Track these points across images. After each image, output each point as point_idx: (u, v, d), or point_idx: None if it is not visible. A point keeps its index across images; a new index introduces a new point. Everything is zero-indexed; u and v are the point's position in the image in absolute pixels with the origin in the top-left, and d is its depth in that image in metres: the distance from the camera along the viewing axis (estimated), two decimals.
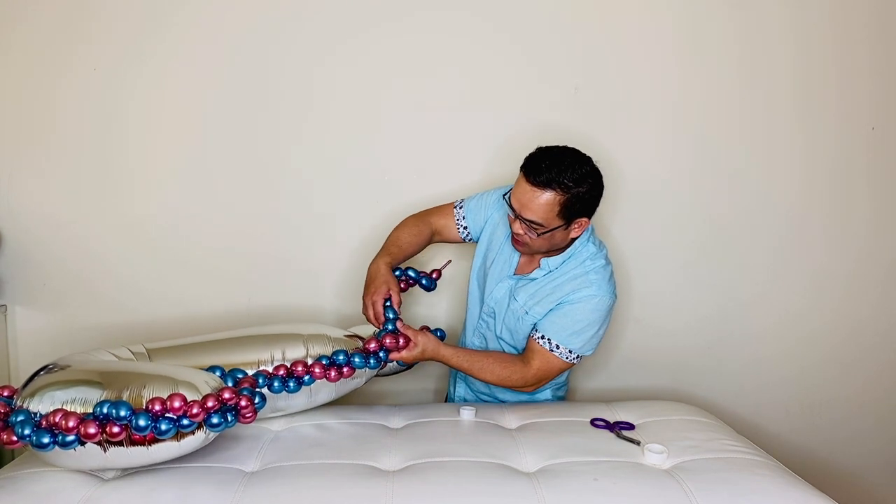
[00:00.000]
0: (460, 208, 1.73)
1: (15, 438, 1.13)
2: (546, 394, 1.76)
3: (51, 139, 1.88)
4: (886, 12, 1.96)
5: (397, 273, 1.70)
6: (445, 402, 1.92)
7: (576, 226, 1.50)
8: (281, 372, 1.43)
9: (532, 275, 1.60)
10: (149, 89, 1.88)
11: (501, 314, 1.66)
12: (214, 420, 1.20)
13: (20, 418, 1.14)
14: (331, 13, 1.87)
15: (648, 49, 1.93)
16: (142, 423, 1.14)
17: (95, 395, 1.18)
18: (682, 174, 2.00)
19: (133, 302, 1.97)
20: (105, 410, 1.14)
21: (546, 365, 1.56)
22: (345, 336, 1.56)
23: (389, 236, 1.69)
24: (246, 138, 1.92)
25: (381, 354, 1.50)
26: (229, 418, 1.22)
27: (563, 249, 1.57)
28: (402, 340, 1.52)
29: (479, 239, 1.73)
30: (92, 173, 1.90)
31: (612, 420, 1.54)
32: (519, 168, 1.48)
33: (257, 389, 1.35)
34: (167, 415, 1.16)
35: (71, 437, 1.12)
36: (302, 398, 1.48)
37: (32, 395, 1.19)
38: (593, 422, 1.53)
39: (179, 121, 1.90)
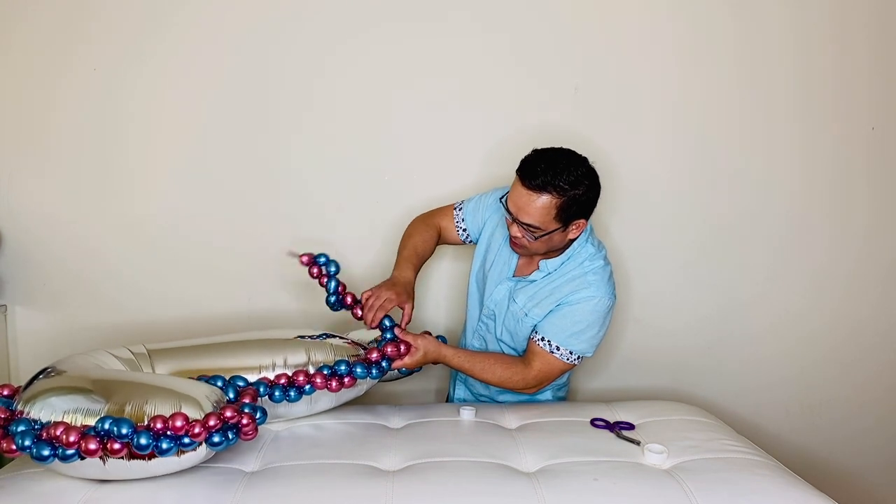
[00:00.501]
0: (460, 210, 1.73)
1: (14, 448, 1.13)
2: (547, 394, 1.76)
3: (51, 139, 1.88)
4: (886, 12, 1.96)
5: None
6: (446, 402, 1.92)
7: (573, 227, 1.49)
8: (282, 381, 1.42)
9: (531, 276, 1.60)
10: (149, 89, 1.88)
11: (501, 316, 1.66)
12: (216, 439, 1.19)
13: (21, 428, 1.14)
14: (331, 13, 1.87)
15: (648, 49, 1.93)
16: (143, 441, 1.13)
17: (96, 406, 1.17)
18: (682, 174, 2.00)
19: (133, 302, 1.97)
20: (107, 427, 1.13)
21: (547, 367, 1.56)
22: (347, 343, 1.56)
23: (405, 243, 1.67)
24: (245, 138, 1.92)
25: (383, 364, 1.50)
26: (230, 436, 1.22)
27: (561, 251, 1.57)
28: (402, 347, 1.52)
29: (478, 241, 1.73)
30: (92, 173, 1.90)
31: (612, 420, 1.54)
32: (515, 170, 1.47)
33: (259, 401, 1.35)
34: (168, 434, 1.16)
35: (71, 452, 1.12)
36: (301, 406, 1.48)
37: (31, 400, 1.19)
38: (593, 422, 1.52)
39: (179, 121, 1.90)
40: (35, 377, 1.27)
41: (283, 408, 1.46)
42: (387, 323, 1.53)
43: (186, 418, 1.16)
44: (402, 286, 1.54)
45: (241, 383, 1.40)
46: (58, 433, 1.12)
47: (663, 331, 2.08)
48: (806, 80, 1.98)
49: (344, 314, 2.00)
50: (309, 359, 1.48)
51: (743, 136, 1.99)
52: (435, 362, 1.57)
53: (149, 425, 1.15)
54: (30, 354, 1.96)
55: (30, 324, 1.96)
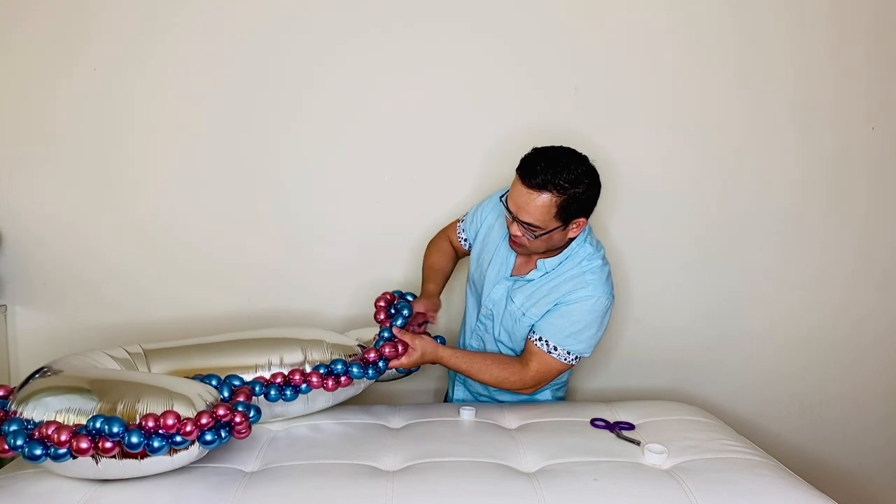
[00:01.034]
0: (461, 222, 1.78)
1: (6, 448, 1.13)
2: (546, 394, 1.76)
3: (51, 139, 1.88)
4: (885, 12, 1.95)
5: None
6: (445, 402, 1.92)
7: (574, 226, 1.49)
8: (278, 380, 1.42)
9: (529, 276, 1.60)
10: (149, 90, 1.88)
11: (499, 316, 1.65)
12: (208, 437, 1.19)
13: (13, 428, 1.14)
14: (331, 14, 1.87)
15: (648, 50, 1.93)
16: (134, 440, 1.13)
17: (89, 405, 1.17)
18: (682, 174, 2.00)
19: (132, 302, 1.97)
20: (98, 425, 1.14)
21: (544, 367, 1.56)
22: (343, 343, 1.56)
23: (424, 265, 1.80)
24: (245, 139, 1.92)
25: (380, 364, 1.50)
26: (223, 434, 1.22)
27: (560, 250, 1.57)
28: (400, 347, 1.52)
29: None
30: (92, 174, 1.90)
31: (612, 420, 1.54)
32: (515, 169, 1.47)
33: (253, 400, 1.35)
34: (160, 432, 1.15)
35: (63, 451, 1.12)
36: (298, 405, 1.48)
37: (26, 400, 1.19)
38: (593, 422, 1.52)
39: (179, 121, 1.90)
40: (30, 377, 1.27)
41: (280, 407, 1.46)
42: (405, 311, 1.58)
43: (178, 416, 1.16)
44: (426, 298, 1.69)
45: (236, 382, 1.40)
46: (49, 432, 1.12)
47: (663, 330, 2.08)
48: (805, 79, 1.98)
49: (342, 317, 2.01)
50: (305, 358, 1.48)
51: (742, 136, 1.99)
52: (432, 362, 1.57)
53: (140, 424, 1.15)
54: (29, 354, 1.96)
55: (30, 324, 1.96)
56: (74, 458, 1.13)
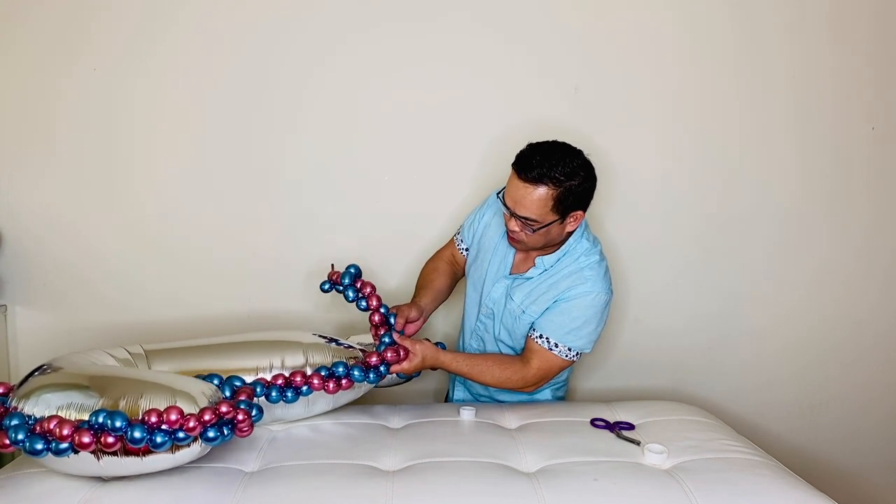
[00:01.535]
0: (458, 234, 1.79)
1: (7, 442, 1.12)
2: (546, 394, 1.76)
3: (51, 139, 1.88)
4: (886, 12, 1.95)
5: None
6: (445, 402, 1.92)
7: (571, 219, 1.50)
8: (279, 381, 1.42)
9: (527, 274, 1.60)
10: (149, 90, 1.88)
11: (499, 315, 1.66)
12: (211, 434, 1.19)
13: (14, 422, 1.14)
14: (331, 14, 1.87)
15: (648, 49, 1.93)
16: (137, 434, 1.13)
17: (91, 401, 1.17)
18: (682, 174, 2.00)
19: (133, 302, 1.97)
20: (101, 420, 1.13)
21: (546, 364, 1.56)
22: (344, 346, 1.56)
23: (416, 285, 1.77)
24: (245, 139, 1.92)
25: (381, 368, 1.50)
26: (226, 432, 1.22)
27: (559, 245, 1.57)
28: (401, 352, 1.52)
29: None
30: (92, 174, 1.90)
31: (612, 420, 1.54)
32: (511, 165, 1.48)
33: (255, 400, 1.35)
34: (163, 427, 1.15)
35: (64, 445, 1.12)
36: (299, 408, 1.48)
37: (26, 396, 1.19)
38: (593, 422, 1.52)
39: (179, 122, 1.90)
40: (30, 374, 1.27)
41: (281, 409, 1.46)
42: (391, 320, 1.56)
43: (181, 412, 1.16)
44: (413, 305, 1.65)
45: (238, 383, 1.40)
46: (51, 426, 1.12)
47: (663, 330, 2.08)
48: (805, 79, 1.98)
49: (342, 317, 2.01)
50: (307, 360, 1.48)
51: (742, 136, 1.99)
52: (433, 367, 1.57)
53: (143, 419, 1.15)
54: (29, 354, 1.96)
55: (30, 324, 1.96)
56: (76, 452, 1.13)
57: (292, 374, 1.44)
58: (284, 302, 2.00)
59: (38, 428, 1.13)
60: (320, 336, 1.57)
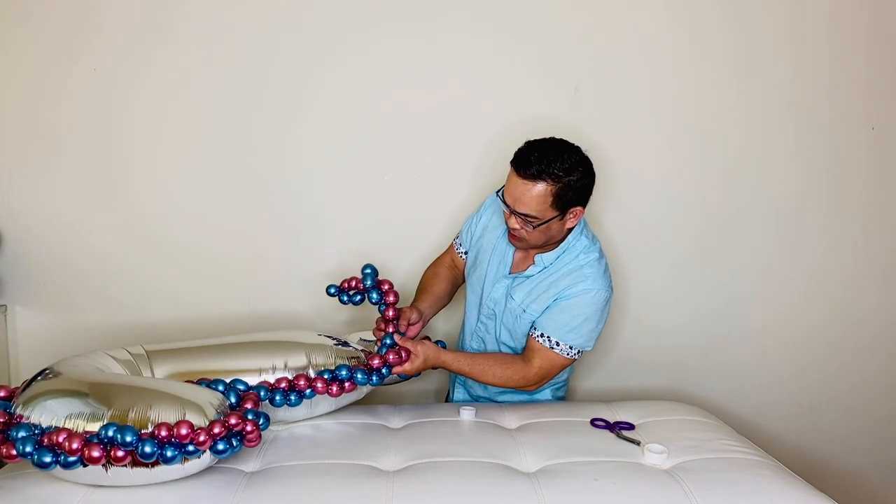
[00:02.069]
0: (457, 238, 1.79)
1: (15, 454, 1.12)
2: (546, 393, 1.76)
3: (51, 139, 1.88)
4: (886, 12, 1.96)
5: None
6: (446, 402, 1.92)
7: (571, 215, 1.50)
8: (283, 385, 1.42)
9: (527, 272, 1.60)
10: (149, 90, 1.87)
11: (500, 315, 1.66)
12: (220, 447, 1.19)
13: (21, 434, 1.13)
14: (329, 17, 1.87)
15: (647, 49, 1.93)
16: (147, 449, 1.12)
17: (99, 412, 1.16)
18: (681, 173, 2.00)
19: (133, 302, 1.97)
20: (111, 434, 1.13)
21: (547, 363, 1.56)
22: (346, 347, 1.55)
23: (417, 289, 1.77)
24: (245, 139, 1.92)
25: (383, 371, 1.50)
26: (234, 444, 1.22)
27: (558, 243, 1.57)
28: (403, 354, 1.52)
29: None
30: (92, 173, 1.90)
31: (612, 420, 1.54)
32: (509, 162, 1.48)
33: (260, 405, 1.35)
34: (173, 441, 1.15)
35: (73, 459, 1.11)
36: (301, 410, 1.48)
37: (29, 403, 1.18)
38: (593, 422, 1.53)
39: (179, 122, 1.90)
40: (32, 379, 1.26)
41: (283, 412, 1.46)
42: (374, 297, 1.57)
43: (191, 426, 1.16)
44: (413, 308, 1.65)
45: (241, 387, 1.40)
46: (60, 440, 1.11)
47: (663, 330, 2.08)
48: (805, 79, 1.98)
49: (342, 318, 2.01)
50: (309, 362, 1.48)
51: (742, 136, 1.99)
52: (435, 367, 1.58)
53: (153, 433, 1.15)
54: (30, 354, 1.96)
55: (30, 324, 1.96)
56: (84, 466, 1.12)
57: (296, 378, 1.44)
58: (285, 302, 2.00)
59: (46, 440, 1.12)
60: (327, 336, 1.57)
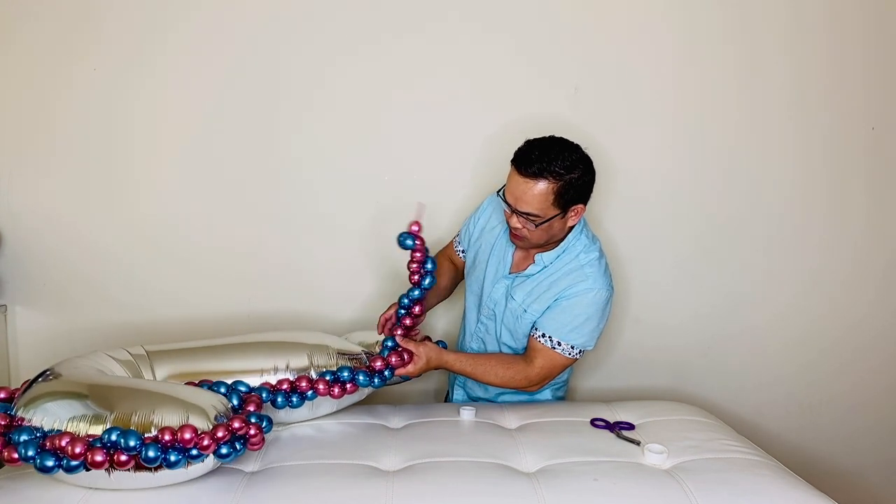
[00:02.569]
0: (456, 237, 1.80)
1: (16, 457, 1.11)
2: (546, 393, 1.76)
3: (51, 139, 1.88)
4: (884, 12, 1.96)
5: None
6: (445, 402, 1.92)
7: (572, 213, 1.50)
8: (284, 386, 1.42)
9: (527, 271, 1.60)
10: (149, 90, 1.88)
11: (501, 315, 1.66)
12: (224, 451, 1.19)
13: (23, 438, 1.12)
14: (332, 18, 1.87)
15: (647, 50, 1.93)
16: (151, 454, 1.12)
17: (101, 415, 1.16)
18: (681, 173, 2.00)
19: (133, 302, 1.97)
20: (114, 438, 1.12)
21: (549, 363, 1.56)
22: (348, 348, 1.55)
23: None
24: (246, 140, 1.92)
25: (385, 373, 1.50)
26: (238, 447, 1.22)
27: (559, 242, 1.57)
28: (405, 355, 1.52)
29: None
30: (92, 173, 1.90)
31: (612, 420, 1.54)
32: (510, 161, 1.48)
33: (263, 410, 1.35)
34: (176, 445, 1.14)
35: (76, 463, 1.11)
36: (303, 411, 1.48)
37: (30, 405, 1.18)
38: (593, 422, 1.53)
39: (180, 122, 1.90)
40: (33, 380, 1.26)
41: (284, 413, 1.46)
42: (388, 343, 1.55)
43: (195, 430, 1.15)
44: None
45: (243, 388, 1.40)
46: (63, 444, 1.11)
47: (662, 330, 2.08)
48: (805, 79, 1.98)
49: (342, 318, 2.01)
50: (311, 363, 1.48)
51: (742, 136, 1.99)
52: (437, 368, 1.57)
53: (157, 437, 1.14)
54: (30, 354, 1.96)
55: (30, 324, 1.96)
56: (87, 470, 1.12)
57: (297, 379, 1.44)
58: (285, 302, 2.00)
59: (48, 444, 1.12)
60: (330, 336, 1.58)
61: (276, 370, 1.45)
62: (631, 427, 1.50)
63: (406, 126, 1.94)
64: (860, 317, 2.11)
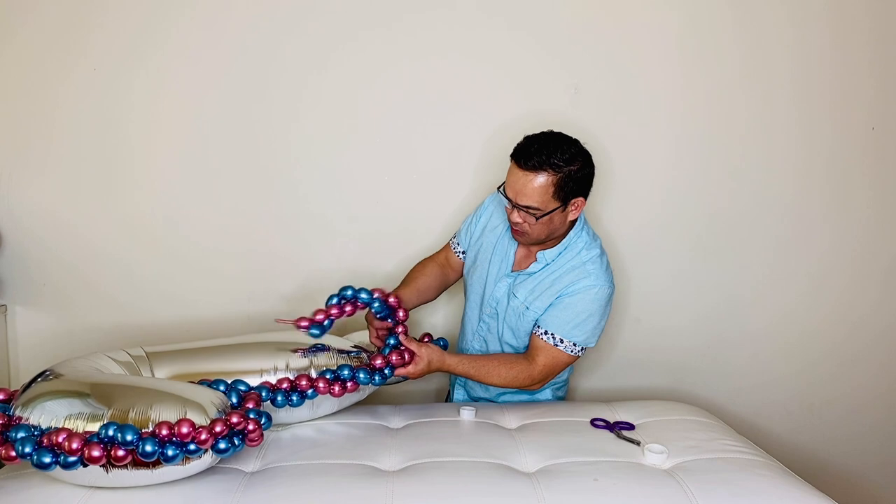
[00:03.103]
0: (454, 237, 1.79)
1: (14, 455, 1.11)
2: (546, 393, 1.76)
3: (51, 139, 1.88)
4: (886, 12, 1.96)
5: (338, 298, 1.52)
6: (446, 402, 1.92)
7: (573, 207, 1.51)
8: (284, 385, 1.42)
9: (529, 269, 1.60)
10: (149, 89, 1.88)
11: (503, 313, 1.66)
12: (222, 446, 1.19)
13: (21, 435, 1.12)
14: (330, 14, 1.87)
15: (648, 49, 1.93)
16: (148, 448, 1.12)
17: (99, 411, 1.16)
18: (682, 173, 2.00)
19: (133, 302, 1.97)
20: (111, 433, 1.12)
21: (552, 361, 1.56)
22: (348, 347, 1.55)
23: (403, 280, 1.74)
24: (245, 139, 1.92)
25: (386, 371, 1.49)
26: (236, 443, 1.21)
27: (559, 239, 1.58)
28: (406, 355, 1.51)
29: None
30: (92, 173, 1.90)
31: (612, 420, 1.54)
32: (509, 156, 1.49)
33: (262, 406, 1.34)
34: (174, 440, 1.14)
35: (73, 459, 1.10)
36: (304, 411, 1.48)
37: (29, 404, 1.18)
38: (593, 422, 1.53)
39: (179, 121, 1.90)
40: (32, 381, 1.26)
41: (285, 412, 1.46)
42: (391, 341, 1.54)
43: (193, 424, 1.15)
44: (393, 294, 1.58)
45: (242, 387, 1.39)
46: (60, 440, 1.11)
47: (663, 330, 2.08)
48: (806, 79, 1.97)
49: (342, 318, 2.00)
50: (311, 362, 1.48)
51: (742, 136, 1.99)
52: (439, 371, 1.57)
53: (154, 432, 1.14)
54: (30, 355, 1.96)
55: (30, 324, 1.96)
56: (85, 466, 1.12)
57: (297, 378, 1.43)
58: (285, 302, 2.00)
59: (45, 440, 1.12)
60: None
61: (275, 370, 1.45)
62: (631, 427, 1.50)
63: (406, 126, 1.94)
64: (861, 318, 2.11)
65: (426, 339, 1.65)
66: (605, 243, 1.67)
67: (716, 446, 1.41)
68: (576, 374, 2.08)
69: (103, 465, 1.13)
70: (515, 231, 1.55)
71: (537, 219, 1.48)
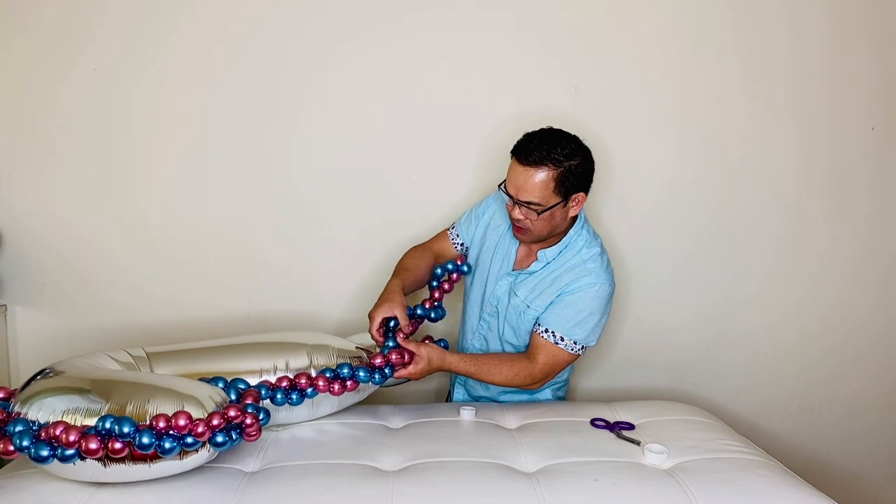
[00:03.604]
0: (453, 229, 1.78)
1: (12, 449, 1.11)
2: (546, 393, 1.76)
3: (51, 139, 1.88)
4: (886, 12, 1.96)
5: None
6: (446, 402, 1.92)
7: (573, 203, 1.51)
8: (284, 384, 1.42)
9: (530, 268, 1.61)
10: (149, 90, 1.88)
11: (503, 312, 1.66)
12: (219, 439, 1.18)
13: (18, 428, 1.12)
14: (330, 14, 1.87)
15: (648, 49, 1.93)
16: (145, 440, 1.11)
17: (96, 406, 1.16)
18: (682, 173, 2.00)
19: (133, 303, 1.97)
20: (108, 426, 1.12)
21: (552, 359, 1.57)
22: (348, 348, 1.55)
23: (396, 264, 1.69)
24: (246, 140, 1.92)
25: (386, 371, 1.49)
26: (234, 436, 1.21)
27: (560, 237, 1.58)
28: (406, 355, 1.51)
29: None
30: (92, 174, 1.90)
31: (612, 420, 1.54)
32: (510, 153, 1.50)
33: (261, 403, 1.34)
34: (171, 433, 1.14)
35: (71, 452, 1.10)
36: (304, 410, 1.47)
37: (28, 401, 1.18)
38: (593, 422, 1.53)
39: (179, 122, 1.90)
40: (32, 378, 1.26)
41: (285, 412, 1.45)
42: (389, 337, 1.53)
43: (190, 417, 1.15)
44: (381, 297, 1.55)
45: (242, 386, 1.40)
46: (57, 433, 1.11)
47: (663, 330, 2.08)
48: (806, 79, 1.97)
49: (342, 319, 2.01)
50: (311, 362, 1.48)
51: (742, 136, 1.99)
52: (440, 370, 1.56)
53: (151, 424, 1.14)
54: (30, 355, 1.96)
55: (30, 324, 1.96)
56: (83, 459, 1.12)
57: (297, 377, 1.43)
58: (285, 302, 2.00)
59: (43, 434, 1.12)
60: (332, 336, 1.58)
61: (275, 370, 1.45)
62: (631, 427, 1.50)
63: (406, 125, 1.94)
64: (861, 318, 2.11)
65: (427, 342, 1.64)
66: (605, 242, 1.67)
67: (716, 446, 1.41)
68: (576, 374, 2.08)
69: (101, 460, 1.13)
70: (517, 228, 1.55)
71: (539, 214, 1.48)
